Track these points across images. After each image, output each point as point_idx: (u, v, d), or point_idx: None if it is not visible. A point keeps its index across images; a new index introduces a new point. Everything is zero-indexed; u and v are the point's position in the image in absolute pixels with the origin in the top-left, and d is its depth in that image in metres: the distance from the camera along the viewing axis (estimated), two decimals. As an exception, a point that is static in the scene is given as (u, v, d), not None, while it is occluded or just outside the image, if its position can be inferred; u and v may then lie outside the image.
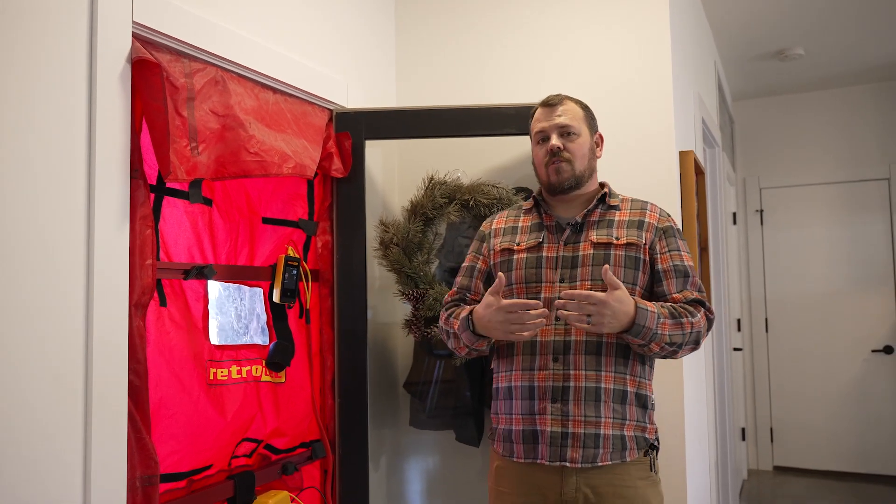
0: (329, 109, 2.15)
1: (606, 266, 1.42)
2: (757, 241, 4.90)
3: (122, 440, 1.40)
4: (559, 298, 1.43)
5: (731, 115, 4.75)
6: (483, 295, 1.68)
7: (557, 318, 1.52)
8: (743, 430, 4.64)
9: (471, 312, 1.56)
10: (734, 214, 4.72)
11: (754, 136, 4.95)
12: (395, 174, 2.52)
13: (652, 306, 1.47)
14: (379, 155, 2.43)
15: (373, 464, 2.30)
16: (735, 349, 4.14)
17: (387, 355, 2.43)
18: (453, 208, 2.04)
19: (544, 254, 1.59)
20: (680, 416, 2.11)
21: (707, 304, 1.57)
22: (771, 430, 4.79)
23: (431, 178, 2.12)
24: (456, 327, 1.60)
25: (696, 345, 1.54)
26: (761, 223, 4.90)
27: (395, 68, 2.58)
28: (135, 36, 1.49)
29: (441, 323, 1.69)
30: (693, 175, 2.27)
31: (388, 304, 2.36)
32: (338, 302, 2.11)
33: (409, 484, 2.42)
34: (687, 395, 2.19)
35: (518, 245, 1.63)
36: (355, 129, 2.13)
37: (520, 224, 1.68)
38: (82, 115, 1.37)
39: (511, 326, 1.45)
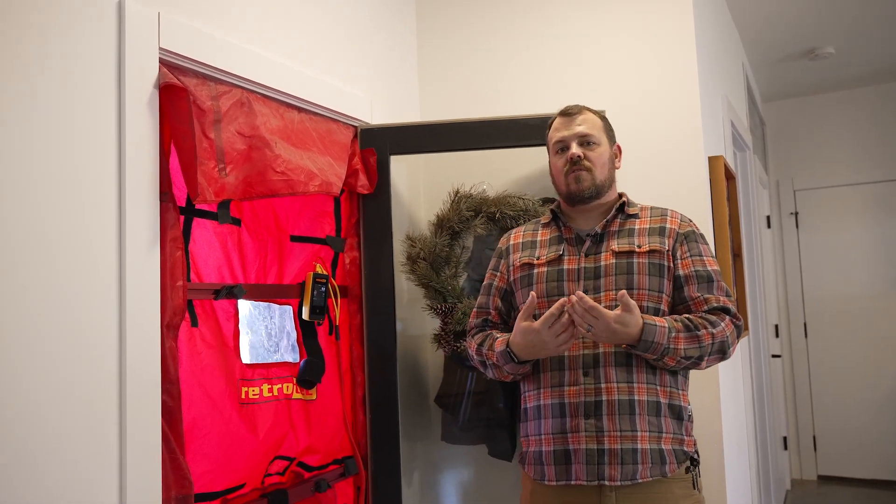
0: (354, 126, 2.16)
1: (623, 291, 1.40)
2: (793, 244, 4.79)
3: (157, 460, 1.41)
4: (575, 295, 1.39)
5: (761, 116, 4.66)
6: (501, 313, 1.68)
7: None
8: (785, 438, 4.52)
9: (508, 344, 1.53)
10: (768, 218, 4.63)
11: (787, 138, 4.85)
12: (420, 188, 2.52)
13: (662, 321, 1.44)
14: (404, 170, 2.44)
15: (406, 479, 2.29)
16: (773, 356, 4.04)
17: (417, 369, 2.42)
18: (480, 221, 2.03)
19: (565, 266, 1.56)
20: (718, 425, 2.06)
21: (733, 309, 1.52)
22: (814, 438, 4.65)
23: (457, 192, 2.12)
24: (494, 359, 1.57)
25: (721, 354, 1.49)
26: (797, 226, 4.79)
27: (418, 82, 2.59)
28: (162, 62, 1.51)
29: (472, 352, 1.66)
30: (723, 180, 2.23)
31: (417, 318, 2.36)
32: (367, 318, 2.11)
33: (443, 499, 2.40)
34: (724, 403, 2.14)
35: (538, 259, 1.60)
36: (380, 144, 2.14)
37: (538, 238, 1.65)
38: (112, 141, 1.40)
39: (560, 338, 1.43)
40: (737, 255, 2.55)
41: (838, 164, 4.69)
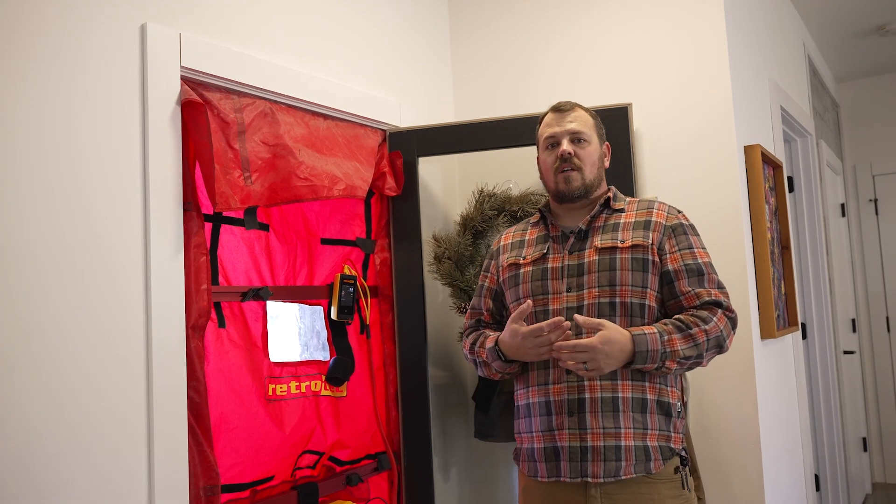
0: (382, 130, 2.21)
1: (577, 315, 1.42)
2: (872, 233, 4.50)
3: (184, 453, 1.51)
4: (554, 351, 1.42)
5: (833, 98, 4.40)
6: (493, 313, 1.70)
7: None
8: (864, 439, 4.26)
9: (497, 342, 1.56)
10: (842, 206, 4.36)
11: (863, 120, 4.55)
12: (455, 188, 2.54)
13: (651, 328, 1.43)
14: (438, 169, 2.47)
15: (442, 475, 2.33)
16: (845, 352, 3.81)
17: (454, 367, 2.45)
18: (502, 220, 2.04)
19: (549, 265, 1.56)
20: (755, 429, 1.98)
21: (725, 302, 1.49)
22: (899, 439, 4.35)
23: (481, 191, 2.13)
24: (484, 356, 1.60)
25: (718, 349, 1.48)
26: (876, 213, 4.50)
27: (453, 81, 2.60)
28: (184, 79, 1.61)
29: (465, 351, 1.69)
30: (760, 170, 2.13)
31: (453, 316, 2.39)
32: (397, 316, 2.16)
33: (479, 495, 2.42)
34: (762, 404, 2.05)
35: (524, 258, 1.61)
36: (407, 147, 2.18)
37: (527, 237, 1.66)
38: (137, 156, 1.50)
39: (541, 350, 1.45)
40: (785, 247, 2.43)
41: (921, 145, 4.36)
